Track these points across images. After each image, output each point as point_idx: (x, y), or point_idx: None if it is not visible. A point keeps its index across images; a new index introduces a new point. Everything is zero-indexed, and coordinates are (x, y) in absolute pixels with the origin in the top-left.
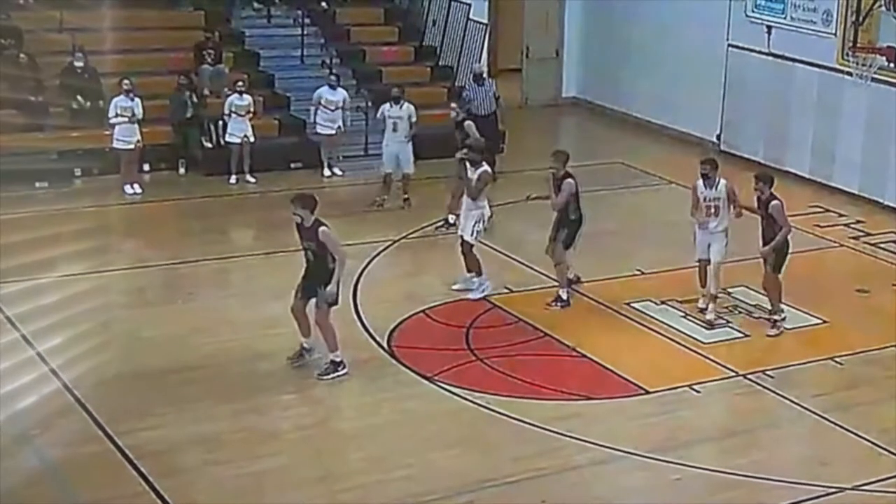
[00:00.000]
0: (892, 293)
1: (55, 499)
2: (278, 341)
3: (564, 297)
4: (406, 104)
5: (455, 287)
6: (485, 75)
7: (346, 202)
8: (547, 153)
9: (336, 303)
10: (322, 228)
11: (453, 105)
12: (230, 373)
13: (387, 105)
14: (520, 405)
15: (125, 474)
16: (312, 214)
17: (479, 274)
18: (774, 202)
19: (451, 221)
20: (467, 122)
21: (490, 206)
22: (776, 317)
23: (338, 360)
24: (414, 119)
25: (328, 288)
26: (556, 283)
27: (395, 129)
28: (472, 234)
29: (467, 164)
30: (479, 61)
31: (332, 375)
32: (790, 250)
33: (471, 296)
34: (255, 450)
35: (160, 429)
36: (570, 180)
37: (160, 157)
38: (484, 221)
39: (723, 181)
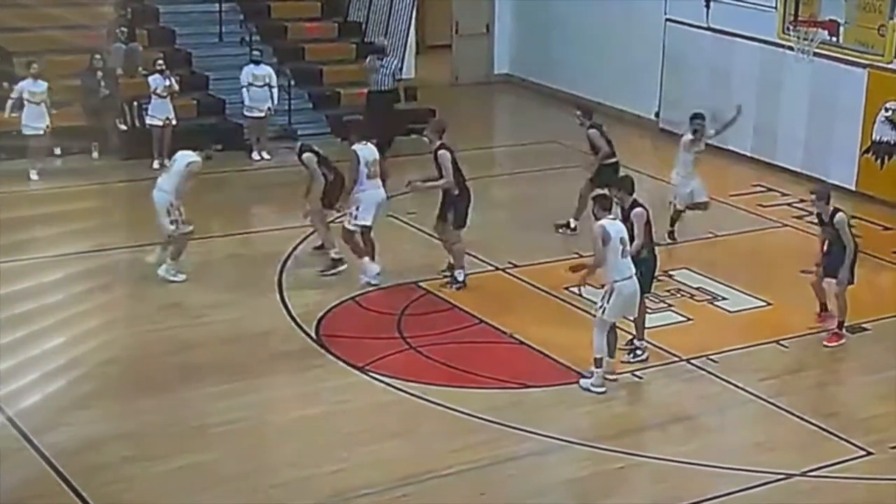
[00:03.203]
0: None
1: None
2: (204, 331)
3: (461, 278)
4: None
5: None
6: (385, 50)
7: (272, 185)
8: (479, 133)
9: None
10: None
11: (578, 112)
12: (153, 365)
13: None
14: (456, 394)
15: (43, 474)
16: None
17: (360, 256)
18: (637, 209)
19: None
20: (591, 131)
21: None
22: (639, 344)
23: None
24: None
25: None
26: (493, 267)
27: None
28: (349, 221)
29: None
30: (384, 37)
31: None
32: (657, 268)
33: (363, 281)
34: (180, 444)
35: (79, 425)
36: (443, 152)
37: (72, 141)
38: (363, 208)
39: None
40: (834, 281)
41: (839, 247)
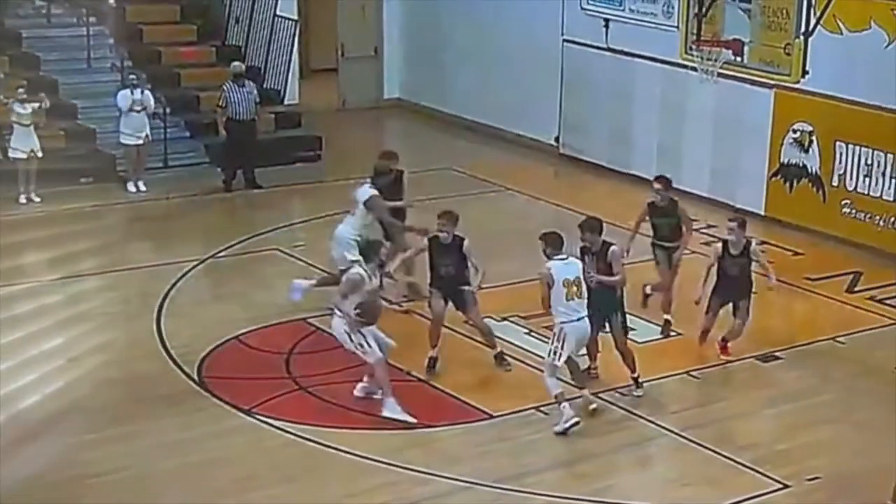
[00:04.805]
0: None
1: None
2: (78, 374)
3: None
4: None
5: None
6: (245, 76)
7: (149, 219)
8: (368, 160)
9: None
10: None
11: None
12: (23, 411)
13: None
14: (350, 437)
15: None
16: None
17: None
18: (614, 248)
19: None
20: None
21: None
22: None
23: None
24: None
25: None
26: (387, 301)
27: None
28: None
29: None
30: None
31: None
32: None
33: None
34: (52, 497)
35: None
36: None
37: None
38: None
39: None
40: (730, 306)
41: (747, 278)
